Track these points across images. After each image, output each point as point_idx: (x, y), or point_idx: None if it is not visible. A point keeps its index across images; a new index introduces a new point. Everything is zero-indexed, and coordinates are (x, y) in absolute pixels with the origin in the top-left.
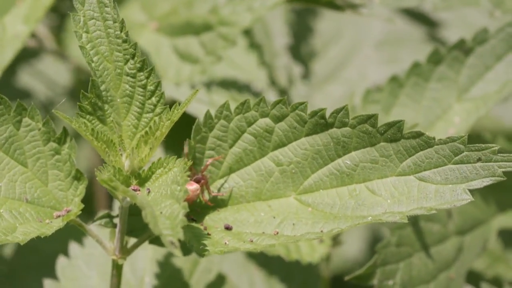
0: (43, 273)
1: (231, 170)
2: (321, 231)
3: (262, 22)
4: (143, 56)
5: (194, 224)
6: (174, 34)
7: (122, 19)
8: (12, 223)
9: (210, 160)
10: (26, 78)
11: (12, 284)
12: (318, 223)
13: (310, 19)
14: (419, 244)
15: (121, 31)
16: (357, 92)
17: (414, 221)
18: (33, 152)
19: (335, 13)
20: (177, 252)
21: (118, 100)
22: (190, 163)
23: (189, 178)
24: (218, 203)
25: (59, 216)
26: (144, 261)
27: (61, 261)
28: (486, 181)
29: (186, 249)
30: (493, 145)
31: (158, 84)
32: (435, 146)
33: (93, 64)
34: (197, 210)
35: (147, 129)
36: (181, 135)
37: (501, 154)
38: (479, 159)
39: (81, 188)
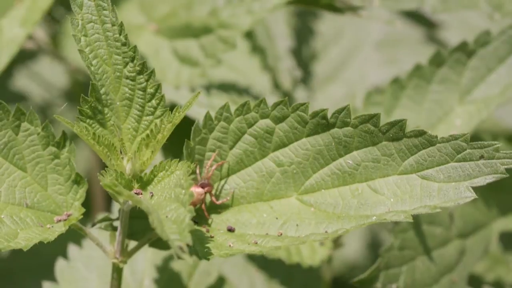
0: (42, 276)
1: (231, 172)
2: (326, 232)
3: (264, 25)
4: (142, 59)
5: (196, 226)
6: (173, 37)
7: (121, 22)
8: (14, 229)
9: (214, 166)
10: (22, 80)
11: (10, 287)
12: (321, 224)
13: (311, 21)
14: (422, 247)
15: (120, 34)
16: (357, 93)
17: (416, 224)
18: (32, 156)
19: (335, 14)
20: (186, 257)
21: (118, 103)
22: (193, 166)
23: (193, 182)
24: (219, 205)
25: (59, 220)
26: (143, 263)
27: (60, 263)
28: (489, 178)
29: (189, 251)
30: (495, 142)
31: (158, 87)
32: (438, 145)
33: (92, 68)
34: (198, 212)
35: (148, 132)
36: (180, 138)
37: (504, 151)
38: (481, 157)
39: (81, 192)
